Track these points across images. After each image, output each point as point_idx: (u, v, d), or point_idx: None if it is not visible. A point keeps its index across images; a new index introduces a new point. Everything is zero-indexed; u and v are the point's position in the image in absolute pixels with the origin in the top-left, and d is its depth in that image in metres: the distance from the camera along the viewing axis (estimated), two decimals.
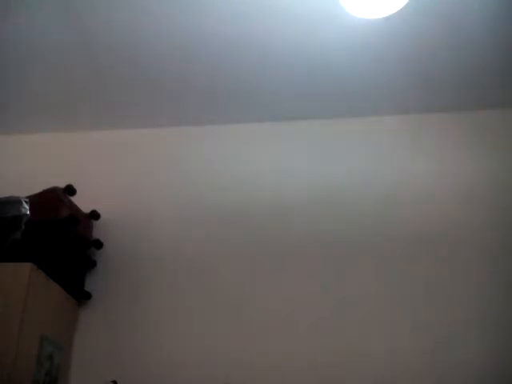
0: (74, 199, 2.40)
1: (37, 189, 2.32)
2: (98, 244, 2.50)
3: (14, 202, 2.18)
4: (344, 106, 2.57)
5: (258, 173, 2.59)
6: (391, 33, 2.18)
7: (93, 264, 2.48)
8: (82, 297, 2.41)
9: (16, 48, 2.36)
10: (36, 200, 2.24)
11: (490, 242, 2.29)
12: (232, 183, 2.59)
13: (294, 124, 2.66)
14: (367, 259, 2.34)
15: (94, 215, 2.53)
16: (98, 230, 2.54)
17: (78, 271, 2.42)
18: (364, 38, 2.22)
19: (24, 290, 2.04)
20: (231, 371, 2.21)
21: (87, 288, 2.45)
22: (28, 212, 2.16)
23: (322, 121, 2.64)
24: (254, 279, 2.37)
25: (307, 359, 2.20)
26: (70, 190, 2.37)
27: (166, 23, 2.21)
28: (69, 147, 2.80)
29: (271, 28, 2.20)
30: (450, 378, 2.09)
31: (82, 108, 2.70)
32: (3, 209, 2.16)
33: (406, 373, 2.12)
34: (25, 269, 2.08)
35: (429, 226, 2.36)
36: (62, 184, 2.37)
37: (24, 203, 2.18)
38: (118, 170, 2.71)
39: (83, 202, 2.45)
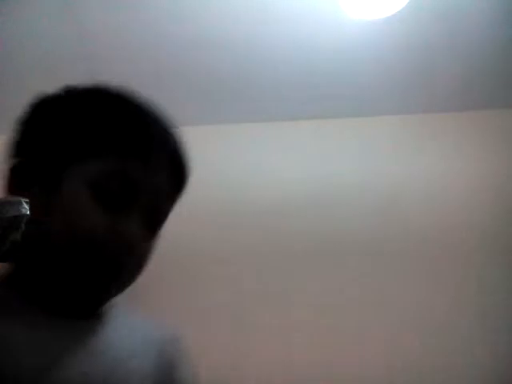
0: None
1: None
2: None
3: (14, 202, 2.18)
4: (344, 106, 2.57)
5: (258, 173, 2.59)
6: (391, 33, 2.18)
7: None
8: None
9: (16, 48, 2.36)
10: None
11: (491, 242, 2.29)
12: (232, 183, 2.59)
13: (294, 124, 2.66)
14: (368, 259, 2.34)
15: None
16: None
17: None
18: (364, 39, 2.22)
19: None
20: (231, 371, 2.21)
21: None
22: (28, 212, 2.16)
23: (322, 121, 2.64)
24: (254, 279, 2.38)
25: (307, 359, 2.21)
26: None
27: (165, 23, 2.21)
28: None
29: (271, 28, 2.20)
30: (451, 379, 2.10)
31: None
32: (3, 209, 2.16)
33: (406, 373, 2.12)
34: None
35: (429, 226, 2.36)
36: None
37: (24, 203, 2.17)
38: None
39: None
